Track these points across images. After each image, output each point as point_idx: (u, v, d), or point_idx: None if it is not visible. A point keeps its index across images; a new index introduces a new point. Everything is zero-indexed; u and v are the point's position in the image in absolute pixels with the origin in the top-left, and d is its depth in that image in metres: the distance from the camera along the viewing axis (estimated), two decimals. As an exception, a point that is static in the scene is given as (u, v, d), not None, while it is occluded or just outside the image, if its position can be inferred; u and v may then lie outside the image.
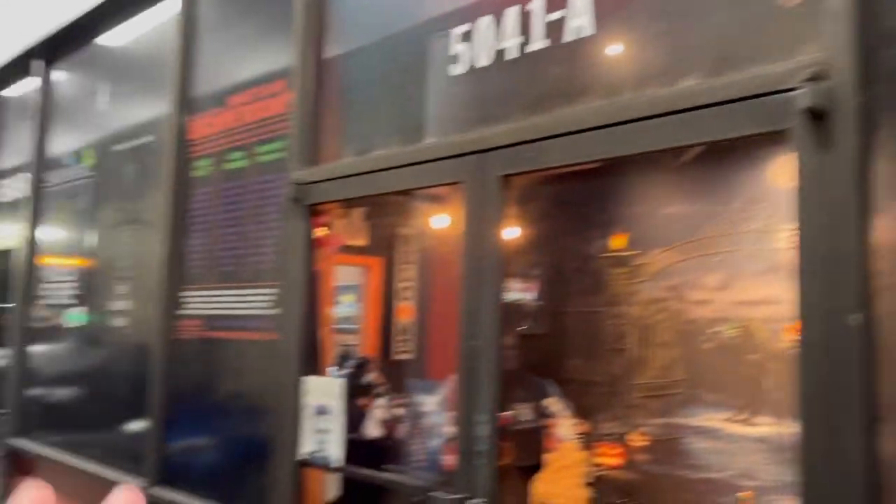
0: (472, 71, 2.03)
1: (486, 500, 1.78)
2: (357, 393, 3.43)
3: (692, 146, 1.74)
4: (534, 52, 1.88)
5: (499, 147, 1.87)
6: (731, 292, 3.30)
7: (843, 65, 1.32)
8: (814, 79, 1.32)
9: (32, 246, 4.14)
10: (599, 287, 3.65)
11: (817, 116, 1.31)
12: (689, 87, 1.59)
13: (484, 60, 2.00)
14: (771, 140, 1.46)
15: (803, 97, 1.32)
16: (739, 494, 3.01)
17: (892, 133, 1.28)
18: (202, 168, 2.95)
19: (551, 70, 1.85)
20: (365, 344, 4.43)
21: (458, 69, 2.07)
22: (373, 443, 3.16)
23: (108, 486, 3.20)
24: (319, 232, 2.48)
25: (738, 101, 1.47)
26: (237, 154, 2.79)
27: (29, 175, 4.24)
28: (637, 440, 3.45)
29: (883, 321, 1.25)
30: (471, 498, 1.80)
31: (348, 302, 4.81)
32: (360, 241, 3.94)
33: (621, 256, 3.59)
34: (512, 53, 1.92)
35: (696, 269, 3.40)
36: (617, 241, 3.60)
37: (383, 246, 4.38)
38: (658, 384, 3.50)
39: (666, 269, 3.54)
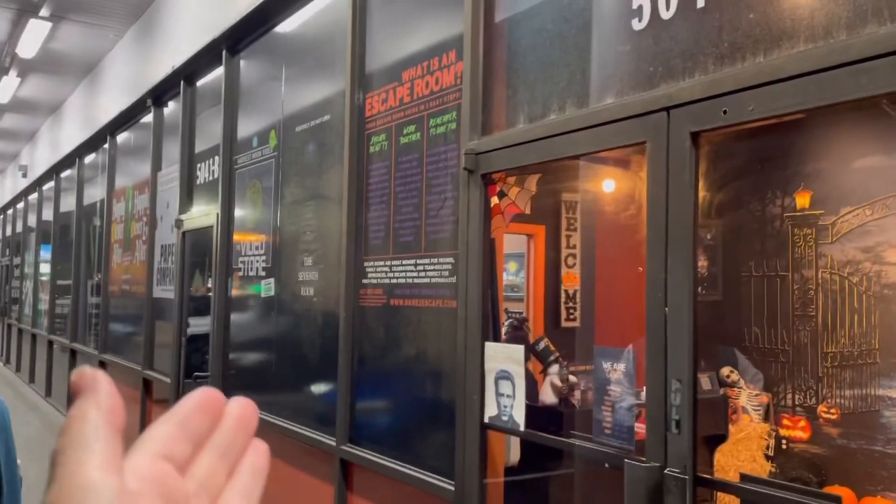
0: (656, 24, 1.94)
1: (681, 469, 1.73)
2: (528, 358, 3.45)
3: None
4: (726, -1, 1.75)
5: (690, 102, 1.77)
6: (939, 252, 2.96)
7: None
8: None
9: (227, 223, 4.50)
10: (783, 249, 3.41)
11: None
12: (917, 21, 1.42)
13: (669, 12, 1.89)
14: None
15: None
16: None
17: None
18: (378, 143, 3.06)
19: (748, 16, 1.72)
20: (531, 311, 4.44)
21: (639, 23, 1.98)
22: (547, 409, 3.18)
23: (300, 440, 3.47)
24: (494, 201, 2.50)
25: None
26: (410, 128, 2.86)
27: (221, 157, 4.60)
28: (826, 412, 3.21)
29: None
30: (666, 467, 1.76)
31: (513, 270, 4.84)
32: (527, 210, 3.93)
33: (808, 215, 3.32)
34: (701, 2, 1.81)
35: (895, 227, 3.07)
36: (801, 200, 3.33)
37: (547, 213, 4.34)
38: (850, 353, 3.23)
39: (860, 227, 3.23)
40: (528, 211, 3.71)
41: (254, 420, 0.38)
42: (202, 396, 0.36)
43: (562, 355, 3.49)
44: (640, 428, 1.93)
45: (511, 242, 4.54)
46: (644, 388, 1.88)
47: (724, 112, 1.71)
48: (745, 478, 1.83)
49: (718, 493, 2.37)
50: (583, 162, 3.61)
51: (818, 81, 1.54)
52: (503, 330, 3.79)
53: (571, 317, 4.46)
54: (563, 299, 4.46)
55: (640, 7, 1.97)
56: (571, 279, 4.48)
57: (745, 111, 1.67)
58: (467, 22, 2.54)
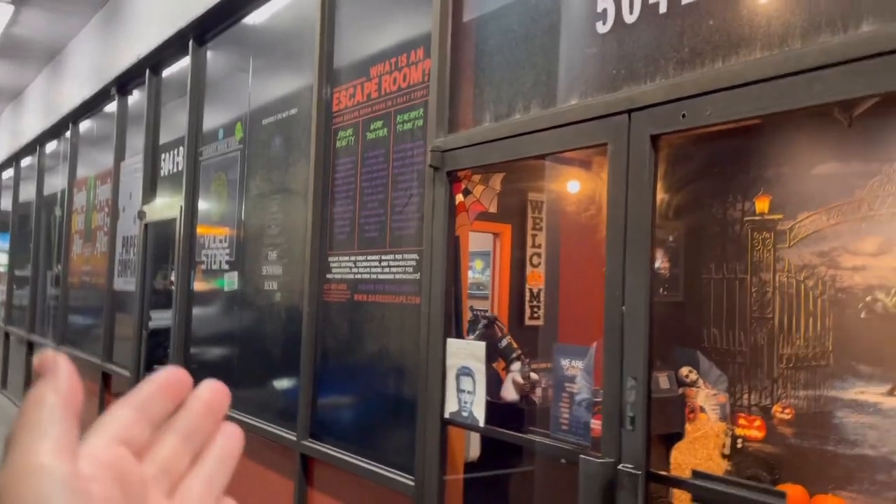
0: (620, 27, 1.97)
1: (634, 465, 1.77)
2: (492, 356, 3.48)
3: (869, 97, 1.61)
4: (688, 4, 1.79)
5: (650, 105, 1.81)
6: (891, 258, 3.05)
7: None
8: None
9: (191, 215, 4.45)
10: (741, 253, 3.48)
11: None
12: (866, 33, 1.46)
13: (631, 16, 1.93)
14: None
15: None
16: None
17: None
18: (345, 138, 3.06)
19: (708, 22, 1.76)
20: (496, 310, 4.47)
21: (603, 26, 2.01)
22: (509, 406, 3.20)
23: (261, 435, 3.45)
24: (459, 198, 2.52)
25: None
26: (377, 123, 2.86)
27: (186, 149, 4.55)
28: (781, 412, 3.29)
29: None
30: (619, 463, 1.79)
31: (479, 268, 4.87)
32: (492, 208, 3.96)
33: (765, 220, 3.40)
34: (664, 7, 1.85)
35: (851, 233, 3.16)
36: (761, 204, 3.41)
37: (513, 212, 4.38)
38: (805, 355, 3.31)
39: (816, 233, 3.32)
40: (493, 209, 3.74)
41: (224, 404, 0.37)
42: (165, 377, 0.35)
43: (525, 353, 3.52)
44: (597, 425, 1.96)
45: (477, 241, 4.56)
46: (601, 385, 1.91)
47: (683, 116, 1.75)
48: (696, 474, 1.87)
49: (675, 492, 2.42)
50: (549, 162, 3.65)
51: (773, 88, 1.58)
52: (474, 327, 3.81)
53: (535, 315, 4.50)
54: (527, 298, 4.50)
55: (605, 10, 2.00)
56: (536, 278, 4.52)
57: (704, 115, 1.71)
58: (435, 20, 2.55)
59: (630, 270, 1.84)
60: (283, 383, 3.50)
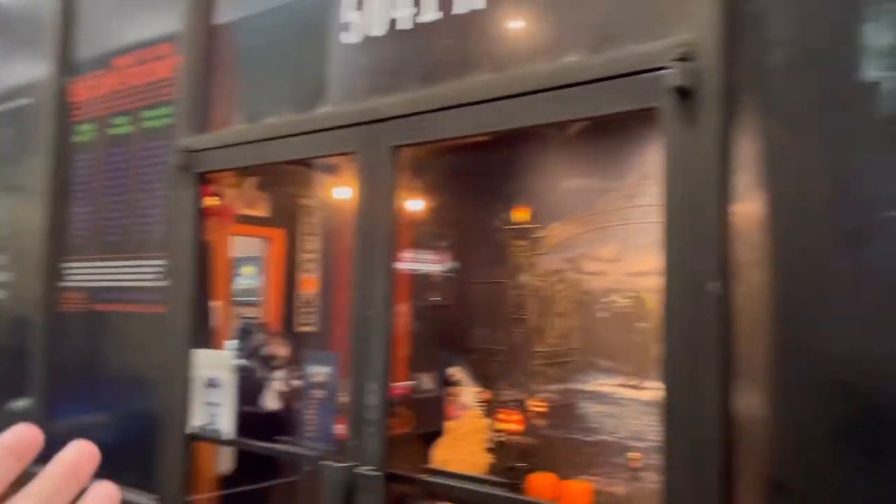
0: (366, 40, 2.01)
1: (375, 467, 1.81)
2: (257, 365, 3.40)
3: (573, 121, 1.79)
4: (425, 24, 1.87)
5: (391, 118, 1.87)
6: (624, 264, 3.43)
7: (710, 46, 1.38)
8: (682, 59, 1.38)
9: None
10: (502, 258, 3.73)
11: (684, 95, 1.38)
12: (570, 63, 1.63)
13: (377, 30, 1.98)
14: (646, 117, 1.53)
15: (672, 76, 1.38)
16: (629, 454, 3.17)
17: (752, 113, 1.36)
18: (85, 133, 2.81)
19: (442, 42, 1.85)
20: (267, 316, 4.37)
21: (351, 38, 2.04)
22: (270, 415, 3.14)
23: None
24: (210, 201, 2.42)
25: (614, 78, 1.52)
26: (122, 119, 2.66)
27: None
28: (536, 406, 3.57)
29: (738, 289, 1.34)
30: (360, 466, 1.82)
31: (249, 274, 4.73)
32: (260, 212, 3.87)
33: (522, 228, 3.67)
34: (404, 24, 1.92)
35: (593, 241, 3.51)
36: (518, 214, 3.67)
37: (285, 217, 4.31)
38: (556, 352, 3.62)
39: (565, 241, 3.64)
40: (252, 213, 3.64)
41: (89, 466, 0.36)
42: (12, 437, 0.35)
43: (295, 360, 3.47)
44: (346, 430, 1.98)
45: (248, 246, 4.43)
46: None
47: (421, 129, 1.83)
48: (432, 472, 1.96)
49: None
50: (314, 168, 3.65)
51: (497, 108, 1.71)
52: (240, 335, 3.68)
53: (308, 322, 4.46)
54: (299, 304, 4.45)
55: (354, 23, 2.03)
56: (309, 284, 4.49)
57: (438, 130, 1.80)
58: (185, 19, 2.44)
59: (373, 277, 1.88)
60: (13, 405, 3.12)
